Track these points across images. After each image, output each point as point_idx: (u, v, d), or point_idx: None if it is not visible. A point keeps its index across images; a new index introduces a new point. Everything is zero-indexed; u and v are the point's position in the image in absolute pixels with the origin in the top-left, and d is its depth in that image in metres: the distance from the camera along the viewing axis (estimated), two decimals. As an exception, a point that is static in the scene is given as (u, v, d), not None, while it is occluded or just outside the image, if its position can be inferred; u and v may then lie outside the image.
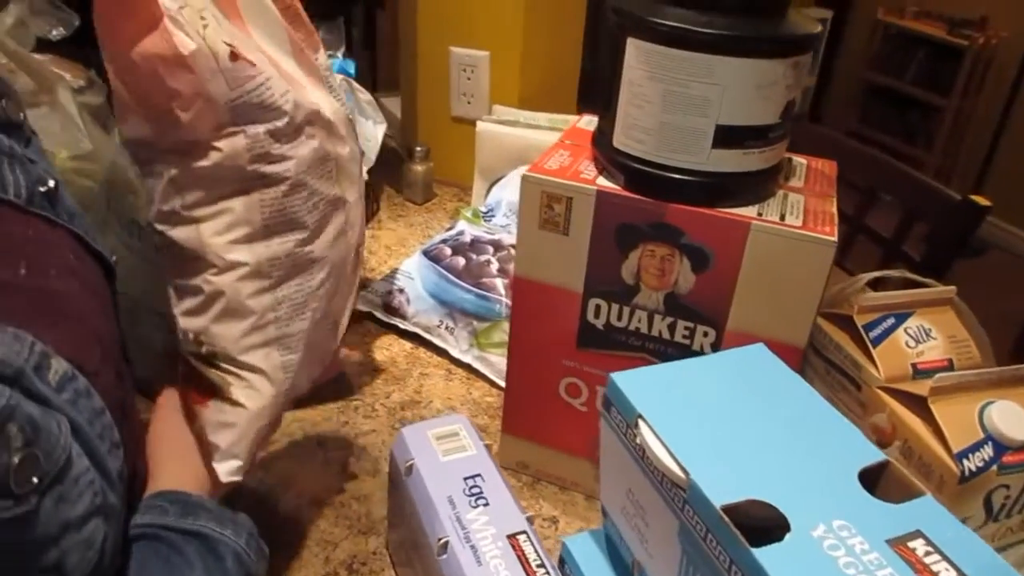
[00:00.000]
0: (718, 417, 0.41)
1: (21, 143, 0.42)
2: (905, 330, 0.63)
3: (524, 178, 0.59)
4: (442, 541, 0.49)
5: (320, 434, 0.76)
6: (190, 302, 0.51)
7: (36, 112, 0.84)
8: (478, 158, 1.12)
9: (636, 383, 0.43)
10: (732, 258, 0.55)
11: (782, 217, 0.55)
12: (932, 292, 0.66)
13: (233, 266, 0.50)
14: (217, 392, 0.52)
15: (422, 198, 1.22)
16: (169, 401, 0.54)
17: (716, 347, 0.59)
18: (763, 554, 0.33)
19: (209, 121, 0.47)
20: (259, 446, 0.54)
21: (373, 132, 0.78)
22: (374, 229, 1.14)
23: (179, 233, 0.50)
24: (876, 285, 0.71)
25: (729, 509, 0.35)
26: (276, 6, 0.52)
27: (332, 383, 0.81)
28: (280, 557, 0.62)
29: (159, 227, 0.51)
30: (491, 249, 0.92)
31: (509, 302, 0.85)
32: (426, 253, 0.93)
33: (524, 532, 0.50)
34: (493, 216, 1.01)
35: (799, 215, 0.55)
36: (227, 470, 0.52)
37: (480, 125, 1.10)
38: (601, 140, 0.60)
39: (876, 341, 0.62)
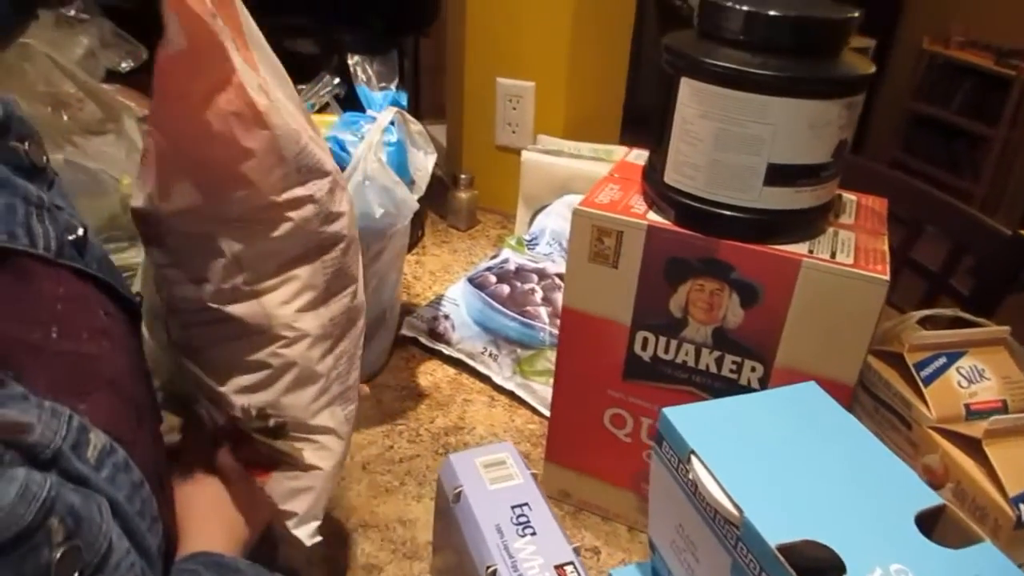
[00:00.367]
0: (771, 455, 0.42)
1: (44, 187, 0.41)
2: (957, 369, 0.62)
3: (575, 211, 0.60)
4: (490, 570, 0.50)
5: (365, 457, 0.77)
6: (251, 378, 0.48)
7: (102, 139, 0.88)
8: (522, 187, 1.14)
9: (688, 418, 0.43)
10: (782, 294, 0.56)
11: (833, 255, 0.55)
12: (985, 331, 0.65)
13: (302, 335, 0.48)
14: (285, 462, 0.50)
15: (466, 225, 1.24)
16: (195, 458, 0.52)
17: (764, 382, 0.59)
18: (819, 596, 0.33)
19: (279, 182, 0.44)
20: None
21: (424, 162, 0.80)
22: (419, 255, 1.16)
23: (240, 309, 0.47)
24: (924, 323, 0.70)
25: (784, 548, 0.35)
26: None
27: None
28: (327, 579, 0.63)
29: (213, 305, 0.47)
30: (535, 277, 0.93)
31: (553, 330, 0.86)
32: (471, 280, 0.94)
33: (571, 563, 0.50)
34: (537, 244, 1.02)
35: (850, 253, 0.55)
36: (308, 533, 0.51)
37: (525, 154, 1.12)
38: (652, 175, 0.61)
39: (928, 380, 0.62)
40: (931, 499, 0.38)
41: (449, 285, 0.99)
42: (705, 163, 0.55)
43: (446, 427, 0.82)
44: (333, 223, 0.48)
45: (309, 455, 0.50)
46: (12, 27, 0.55)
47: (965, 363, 0.63)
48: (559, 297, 0.90)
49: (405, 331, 0.94)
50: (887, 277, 0.53)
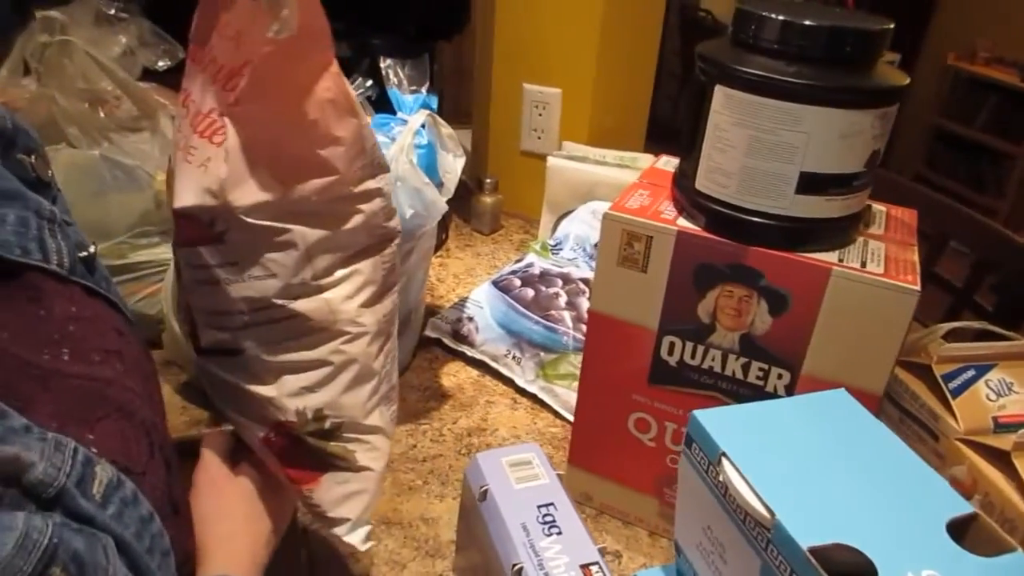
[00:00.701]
0: (801, 459, 0.42)
1: (50, 201, 0.40)
2: (986, 382, 0.62)
3: (606, 216, 0.60)
4: (516, 567, 0.50)
5: (389, 456, 0.78)
6: (308, 378, 0.47)
7: (138, 136, 0.89)
8: (547, 192, 1.14)
9: (719, 421, 0.44)
10: (811, 302, 0.56)
11: (863, 264, 0.55)
12: (1014, 345, 0.65)
13: (364, 331, 0.47)
14: (335, 465, 0.49)
15: (489, 229, 1.25)
16: (210, 474, 0.50)
17: (790, 390, 0.60)
18: (851, 598, 0.33)
19: (358, 172, 0.44)
20: None
21: (453, 165, 0.81)
22: (443, 258, 1.17)
23: (305, 305, 0.46)
24: (949, 336, 0.70)
25: (815, 551, 0.35)
26: None
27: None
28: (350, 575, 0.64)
29: (278, 302, 0.45)
30: (560, 282, 0.93)
31: (576, 335, 0.86)
32: (496, 283, 0.95)
33: (596, 563, 0.51)
34: (561, 249, 1.03)
35: (880, 263, 0.55)
36: (361, 539, 0.50)
37: (551, 160, 1.13)
38: (682, 181, 0.61)
39: (956, 392, 0.61)
40: (962, 507, 0.38)
41: (472, 288, 0.99)
42: (737, 170, 0.56)
43: (469, 428, 0.83)
44: (392, 219, 0.48)
45: (361, 456, 0.49)
46: (11, 27, 0.54)
47: (994, 376, 0.63)
48: (583, 302, 0.90)
49: (429, 332, 0.94)
50: (918, 287, 0.53)
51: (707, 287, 0.59)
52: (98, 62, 0.84)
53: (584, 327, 0.85)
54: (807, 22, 0.51)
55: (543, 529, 0.53)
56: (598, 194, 1.09)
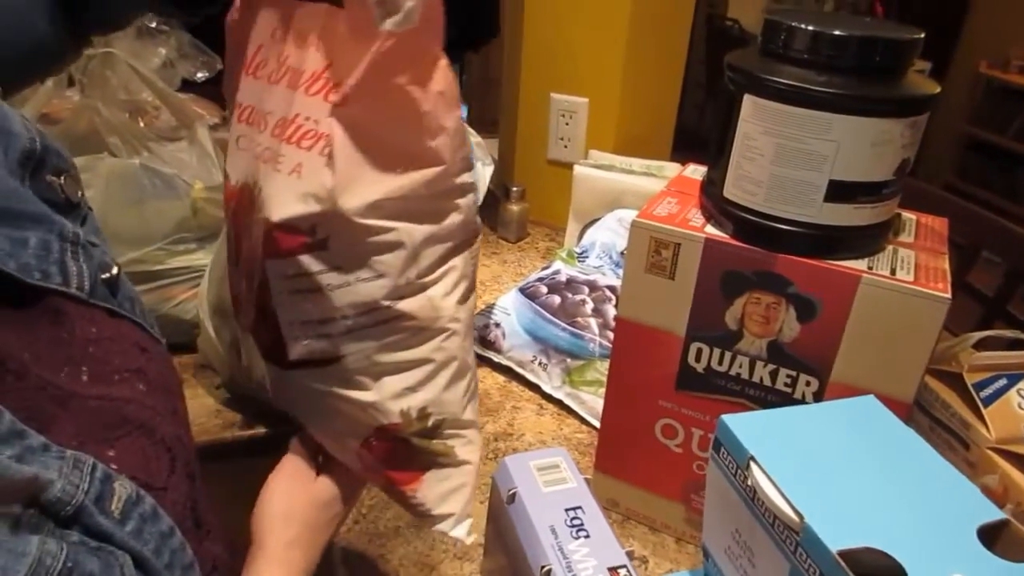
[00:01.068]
0: (830, 464, 0.42)
1: (79, 222, 0.40)
2: (1018, 391, 0.62)
3: (634, 223, 0.61)
4: (545, 569, 0.51)
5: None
6: (411, 377, 0.47)
7: (176, 146, 0.92)
8: (574, 200, 1.15)
9: (747, 425, 0.44)
10: (840, 310, 0.56)
11: (893, 272, 0.55)
12: (1047, 354, 0.64)
13: (461, 327, 0.48)
14: (438, 462, 0.49)
15: (515, 237, 1.26)
16: (291, 474, 0.50)
17: (819, 397, 0.60)
18: (881, 601, 0.33)
19: (460, 163, 0.45)
20: None
21: (482, 173, 0.82)
22: (470, 265, 1.18)
23: (411, 304, 0.46)
24: (980, 345, 0.69)
25: (844, 554, 0.36)
26: None
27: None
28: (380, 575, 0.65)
29: (385, 303, 0.45)
30: (586, 289, 0.94)
31: (603, 341, 0.87)
32: (523, 290, 0.96)
33: (624, 567, 0.51)
34: (587, 257, 1.04)
35: (910, 270, 0.55)
36: (466, 531, 0.51)
37: (578, 168, 1.13)
38: (710, 189, 0.62)
39: (987, 401, 0.61)
40: (993, 513, 0.38)
41: (499, 295, 1.00)
42: (766, 178, 0.56)
43: (496, 433, 0.84)
44: (477, 214, 0.49)
45: (460, 451, 0.50)
46: (66, 54, 0.55)
47: (1026, 385, 0.62)
48: (609, 309, 0.91)
49: (456, 338, 0.95)
50: (948, 295, 0.53)
51: (735, 294, 0.59)
52: (139, 73, 0.87)
53: (610, 334, 0.86)
54: (837, 32, 0.52)
55: (571, 532, 0.54)
56: (625, 202, 1.09)
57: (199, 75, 0.90)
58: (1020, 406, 0.61)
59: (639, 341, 0.65)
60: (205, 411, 0.80)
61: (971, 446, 0.61)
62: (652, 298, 0.63)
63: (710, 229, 0.60)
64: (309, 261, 0.45)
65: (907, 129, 0.53)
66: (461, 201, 0.46)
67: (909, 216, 0.65)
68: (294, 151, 0.44)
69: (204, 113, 0.94)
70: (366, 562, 0.67)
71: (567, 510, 0.56)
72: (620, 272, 0.95)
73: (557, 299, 0.93)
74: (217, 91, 0.99)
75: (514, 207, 1.24)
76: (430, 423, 0.48)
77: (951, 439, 0.63)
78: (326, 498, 0.51)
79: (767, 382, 0.61)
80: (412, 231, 0.45)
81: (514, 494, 0.57)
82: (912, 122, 0.53)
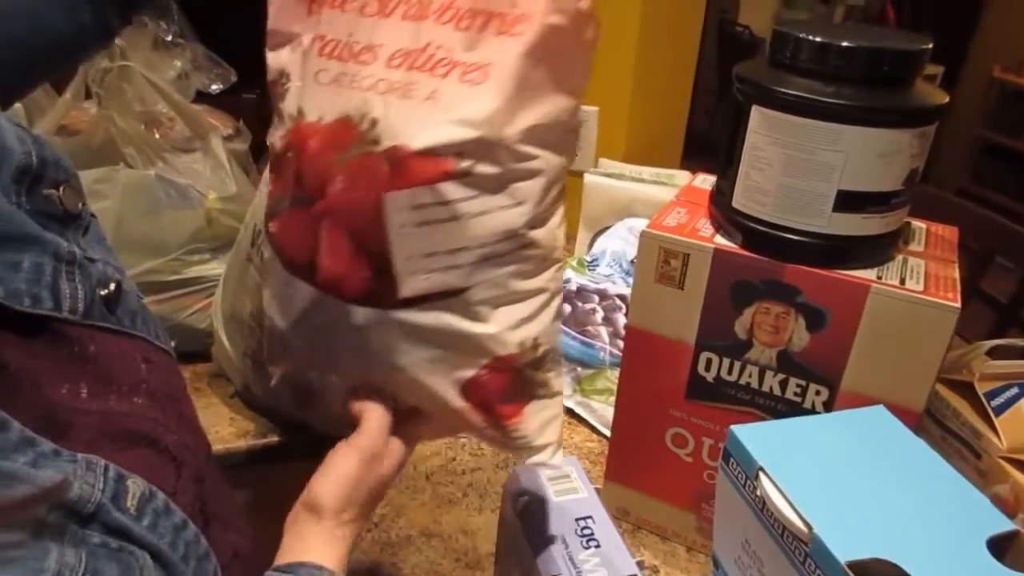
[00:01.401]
0: (839, 474, 0.42)
1: (79, 234, 0.40)
2: (1030, 401, 0.61)
3: (643, 234, 0.61)
4: (555, 578, 0.51)
5: (429, 468, 0.79)
6: (527, 308, 0.47)
7: (190, 157, 0.93)
8: (584, 209, 1.16)
9: (756, 436, 0.44)
10: (849, 319, 0.56)
11: (902, 281, 0.55)
12: (1059, 363, 0.64)
13: (562, 261, 0.49)
14: (539, 391, 0.49)
15: (526, 245, 1.26)
16: (368, 448, 0.48)
17: (828, 406, 0.60)
18: (889, 613, 0.34)
19: (581, 103, 0.47)
20: None
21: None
22: (481, 273, 1.18)
23: (540, 233, 0.46)
24: (993, 353, 0.69)
25: (854, 565, 0.36)
26: None
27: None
28: (392, 582, 0.66)
29: (523, 231, 0.46)
30: (596, 298, 0.94)
31: (613, 350, 0.87)
32: (533, 299, 0.96)
33: (635, 576, 0.51)
34: (597, 265, 1.04)
35: (920, 280, 0.55)
36: (559, 457, 0.51)
37: (588, 177, 1.14)
38: (719, 199, 0.62)
39: (999, 410, 0.61)
40: (1003, 524, 0.39)
41: (511, 303, 1.01)
42: (774, 188, 0.56)
43: (507, 441, 0.84)
44: None
45: (554, 381, 0.50)
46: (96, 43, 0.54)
47: (1038, 394, 0.62)
48: (620, 318, 0.91)
49: (468, 347, 0.96)
50: (958, 304, 0.53)
51: (744, 304, 0.59)
52: (155, 85, 0.88)
53: (620, 342, 0.86)
54: (845, 43, 0.52)
55: (582, 542, 0.54)
56: (635, 211, 1.09)
57: (213, 87, 0.91)
58: (1032, 415, 0.61)
59: (649, 350, 0.65)
60: (219, 419, 0.80)
61: (982, 455, 0.61)
62: (662, 308, 0.63)
63: (719, 239, 0.60)
64: (450, 188, 0.43)
65: (916, 139, 0.53)
66: (572, 139, 0.47)
67: (919, 225, 0.65)
68: (427, 78, 0.43)
69: (218, 124, 0.95)
70: (378, 571, 0.67)
71: (578, 520, 0.56)
72: (630, 281, 0.96)
73: (568, 308, 0.93)
74: (231, 102, 1.01)
75: (525, 215, 1.25)
76: (540, 352, 0.48)
77: (962, 448, 0.63)
78: (390, 472, 0.49)
79: (777, 391, 0.61)
80: (551, 160, 0.45)
81: (525, 504, 0.58)
82: (921, 132, 0.53)
